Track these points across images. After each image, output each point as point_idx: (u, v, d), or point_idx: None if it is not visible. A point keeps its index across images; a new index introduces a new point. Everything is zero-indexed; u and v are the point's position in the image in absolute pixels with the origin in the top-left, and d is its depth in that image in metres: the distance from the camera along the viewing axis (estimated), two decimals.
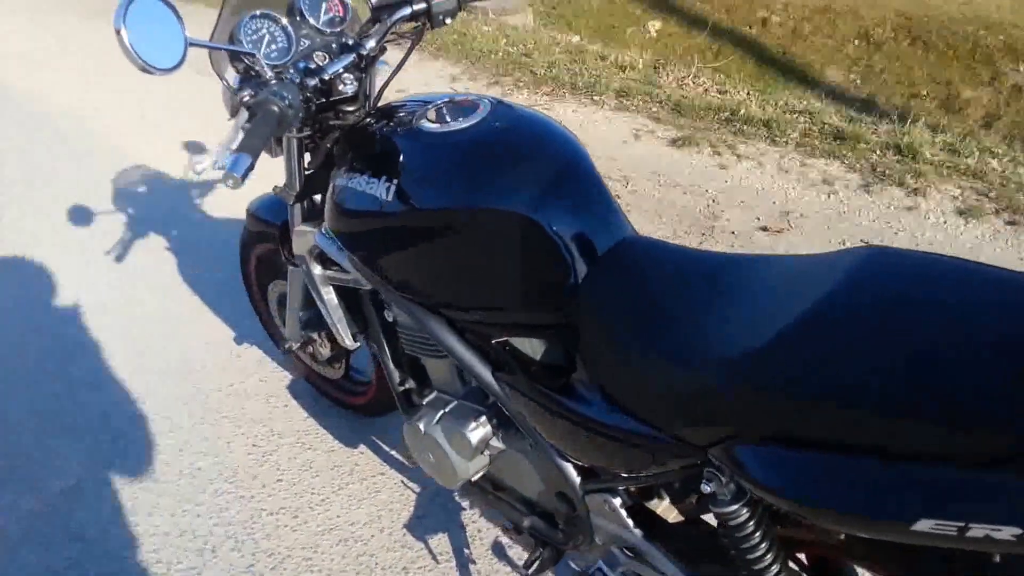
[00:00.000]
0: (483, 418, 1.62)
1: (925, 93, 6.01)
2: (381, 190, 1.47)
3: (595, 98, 5.08)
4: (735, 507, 1.16)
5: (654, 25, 7.95)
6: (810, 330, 1.02)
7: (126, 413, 2.63)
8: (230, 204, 3.89)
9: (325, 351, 2.25)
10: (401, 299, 1.56)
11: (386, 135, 1.59)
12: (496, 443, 1.64)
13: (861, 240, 3.46)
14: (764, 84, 5.89)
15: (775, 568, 1.20)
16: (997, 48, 6.00)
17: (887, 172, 3.88)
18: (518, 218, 1.35)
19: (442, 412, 1.68)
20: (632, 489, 1.46)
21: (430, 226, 1.43)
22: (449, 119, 1.49)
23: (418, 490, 2.27)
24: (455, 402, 1.70)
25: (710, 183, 4.02)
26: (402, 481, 2.31)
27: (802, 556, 1.33)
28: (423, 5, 1.69)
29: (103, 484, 2.35)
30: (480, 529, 2.13)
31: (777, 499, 1.00)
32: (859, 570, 1.33)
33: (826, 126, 4.38)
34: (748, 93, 5.15)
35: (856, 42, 6.77)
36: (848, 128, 4.30)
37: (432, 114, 1.52)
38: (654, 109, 4.87)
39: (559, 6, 9.40)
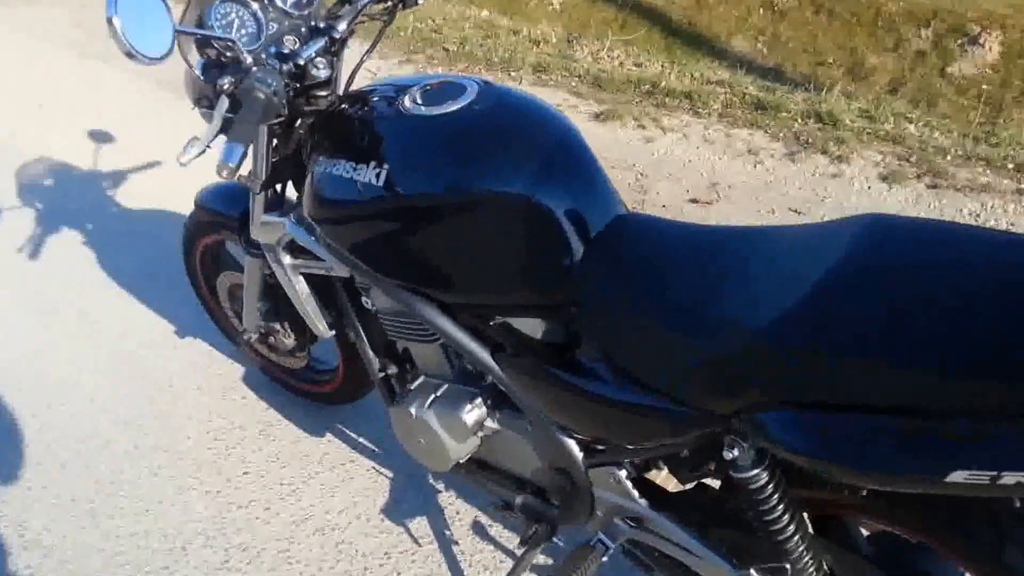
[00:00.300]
0: (478, 399, 1.62)
1: (831, 60, 6.21)
2: (369, 176, 1.46)
3: (512, 74, 5.08)
4: (756, 471, 1.20)
5: None
6: (829, 294, 1.06)
7: (72, 414, 2.53)
8: (149, 193, 3.77)
9: (288, 341, 2.21)
10: (390, 285, 1.55)
11: (369, 119, 1.57)
12: (491, 423, 1.65)
13: (790, 209, 3.57)
14: (674, 56, 5.98)
15: (792, 527, 1.25)
16: (899, 15, 6.24)
17: (810, 140, 4.01)
18: (515, 199, 1.36)
19: (433, 396, 1.68)
20: (636, 461, 1.49)
21: (423, 211, 1.42)
22: (436, 102, 1.47)
23: (391, 475, 2.26)
24: (446, 385, 1.69)
25: (637, 157, 4.07)
26: (374, 467, 2.29)
27: (805, 515, 1.39)
28: None
29: (58, 489, 2.26)
30: (459, 510, 2.14)
31: (812, 462, 1.04)
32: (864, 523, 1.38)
33: (747, 96, 4.49)
34: (663, 65, 5.23)
35: (761, 11, 6.94)
36: (769, 98, 4.42)
37: (417, 97, 1.50)
38: (574, 84, 4.90)
39: None
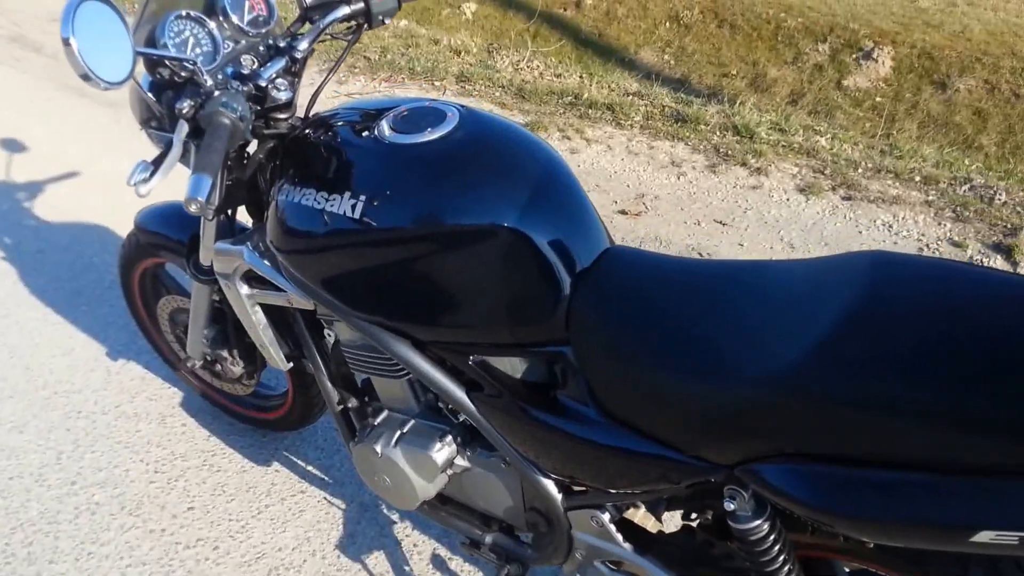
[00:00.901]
0: (448, 437, 1.57)
1: (735, 72, 6.39)
2: (340, 206, 1.38)
3: (436, 83, 5.04)
4: (757, 522, 1.17)
5: (469, 7, 7.96)
6: (836, 337, 1.02)
7: None
8: (73, 208, 3.58)
9: (237, 369, 2.12)
10: (359, 320, 1.48)
11: (340, 146, 1.49)
12: (461, 461, 1.60)
13: (715, 220, 3.64)
14: (587, 66, 6.04)
15: (786, 572, 1.23)
16: (797, 29, 6.47)
17: (729, 152, 4.11)
18: (500, 232, 1.31)
19: (399, 432, 1.62)
20: (619, 503, 1.46)
21: (401, 245, 1.36)
22: (415, 129, 1.41)
23: (343, 506, 2.19)
24: (412, 421, 1.64)
25: None
26: (325, 498, 2.22)
27: None
28: (360, 5, 1.62)
29: None
30: (416, 543, 2.09)
31: (822, 516, 1.02)
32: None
33: (666, 108, 4.57)
34: (581, 76, 5.28)
35: (667, 24, 7.09)
36: (687, 110, 4.50)
37: (393, 123, 1.44)
38: (497, 94, 4.89)
39: None
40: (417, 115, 1.45)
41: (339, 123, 1.55)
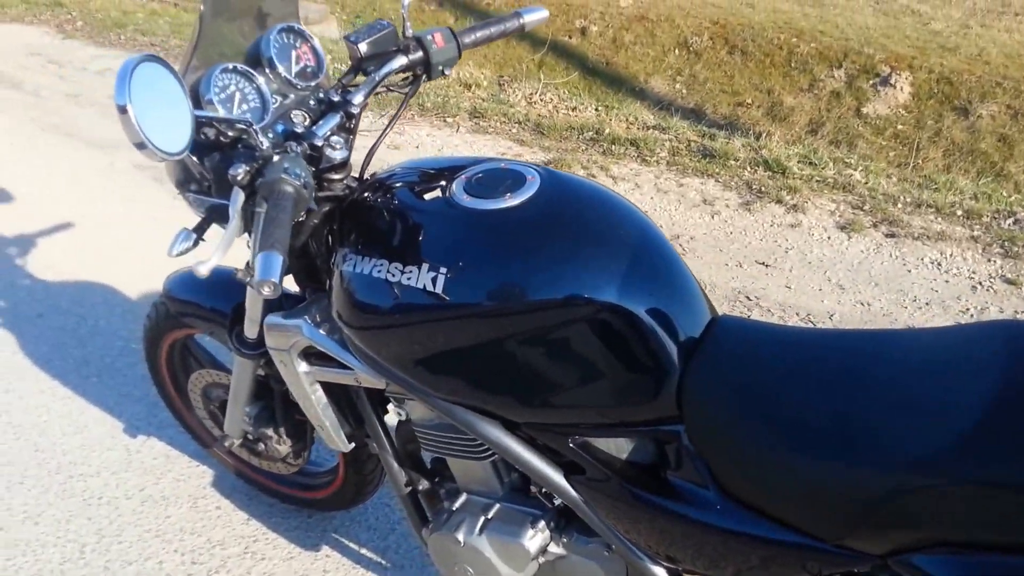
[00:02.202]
0: (540, 522, 1.43)
1: (750, 101, 6.26)
2: (419, 279, 1.24)
3: (448, 120, 4.90)
4: None
5: None
6: (993, 416, 0.95)
7: (8, 543, 2.16)
8: (70, 264, 3.40)
9: (283, 448, 1.94)
10: (440, 401, 1.34)
11: (409, 210, 1.36)
12: (556, 548, 1.46)
13: (757, 261, 3.49)
14: (597, 96, 5.92)
15: None
16: (810, 55, 6.35)
17: (763, 189, 3.97)
18: (600, 306, 1.18)
19: (483, 519, 1.47)
20: None
21: (490, 321, 1.22)
22: (494, 193, 1.28)
23: None
24: (497, 505, 1.49)
25: None
26: None
27: None
28: (419, 54, 1.49)
29: None
30: None
31: None
32: None
33: (692, 143, 4.43)
34: (596, 109, 5.15)
35: (676, 51, 6.97)
36: (713, 145, 4.37)
37: (468, 187, 1.31)
38: (514, 130, 4.76)
39: (363, 15, 9.10)
40: (493, 178, 1.32)
41: (403, 185, 1.42)
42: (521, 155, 4.41)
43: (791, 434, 1.09)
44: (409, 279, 1.26)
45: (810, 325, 2.98)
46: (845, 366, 1.13)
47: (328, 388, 1.64)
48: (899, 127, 5.84)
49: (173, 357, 2.15)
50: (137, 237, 3.60)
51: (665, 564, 1.33)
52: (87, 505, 2.27)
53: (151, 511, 2.26)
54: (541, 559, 1.47)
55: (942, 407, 1.00)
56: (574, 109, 5.12)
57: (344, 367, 1.50)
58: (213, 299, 1.84)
